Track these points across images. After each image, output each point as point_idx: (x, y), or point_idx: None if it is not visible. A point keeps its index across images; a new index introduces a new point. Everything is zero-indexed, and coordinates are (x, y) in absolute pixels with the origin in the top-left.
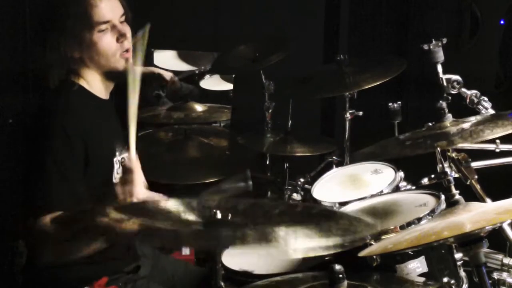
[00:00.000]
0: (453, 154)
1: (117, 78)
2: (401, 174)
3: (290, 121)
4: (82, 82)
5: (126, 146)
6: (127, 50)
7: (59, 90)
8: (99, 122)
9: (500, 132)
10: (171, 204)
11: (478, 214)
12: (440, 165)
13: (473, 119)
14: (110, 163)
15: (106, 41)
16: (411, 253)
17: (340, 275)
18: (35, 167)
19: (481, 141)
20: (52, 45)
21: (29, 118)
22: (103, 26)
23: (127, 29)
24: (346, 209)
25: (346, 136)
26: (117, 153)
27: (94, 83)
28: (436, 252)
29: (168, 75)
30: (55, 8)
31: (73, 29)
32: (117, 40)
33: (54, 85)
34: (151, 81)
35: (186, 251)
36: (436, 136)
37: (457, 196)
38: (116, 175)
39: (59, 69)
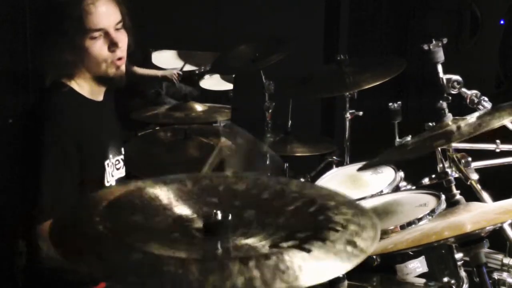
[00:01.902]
0: (454, 155)
1: (108, 83)
2: (401, 174)
3: (290, 121)
4: (73, 84)
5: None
6: (119, 58)
7: (50, 90)
8: (89, 124)
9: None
10: (160, 194)
11: (478, 214)
12: (441, 165)
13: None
14: (101, 165)
15: (97, 48)
16: (411, 253)
17: (340, 275)
18: (28, 166)
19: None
20: (48, 45)
21: (25, 118)
22: (95, 34)
23: (120, 38)
24: None
25: (346, 136)
26: (110, 156)
27: (85, 86)
28: (436, 252)
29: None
30: (54, 9)
31: (68, 31)
32: (109, 48)
33: (46, 85)
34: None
35: None
36: (437, 137)
37: (458, 196)
38: (110, 178)
39: (53, 70)
